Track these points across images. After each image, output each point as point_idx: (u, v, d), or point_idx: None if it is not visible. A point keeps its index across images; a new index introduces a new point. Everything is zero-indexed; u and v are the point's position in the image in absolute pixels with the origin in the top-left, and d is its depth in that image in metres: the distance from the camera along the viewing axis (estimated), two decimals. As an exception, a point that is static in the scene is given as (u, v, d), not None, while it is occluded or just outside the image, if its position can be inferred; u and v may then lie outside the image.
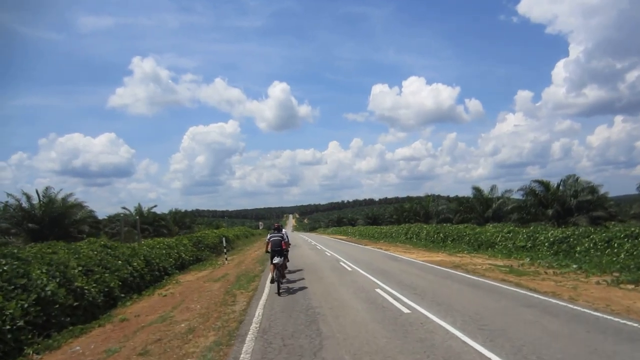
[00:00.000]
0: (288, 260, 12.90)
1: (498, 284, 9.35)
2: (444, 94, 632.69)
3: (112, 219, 37.88)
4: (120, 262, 12.68)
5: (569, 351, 4.68)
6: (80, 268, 10.48)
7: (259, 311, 7.60)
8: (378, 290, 8.97)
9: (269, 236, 10.91)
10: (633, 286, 8.87)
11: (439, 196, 62.25)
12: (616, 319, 6.03)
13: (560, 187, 24.13)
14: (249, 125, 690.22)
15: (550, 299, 7.54)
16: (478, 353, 4.67)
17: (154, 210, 40.33)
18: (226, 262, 19.18)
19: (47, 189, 25.69)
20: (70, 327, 8.22)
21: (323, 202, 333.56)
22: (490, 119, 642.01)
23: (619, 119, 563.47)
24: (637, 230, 13.76)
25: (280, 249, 10.43)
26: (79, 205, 27.57)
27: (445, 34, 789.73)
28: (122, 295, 11.49)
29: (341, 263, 15.42)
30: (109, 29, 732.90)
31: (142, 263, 13.97)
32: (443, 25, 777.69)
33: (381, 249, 23.67)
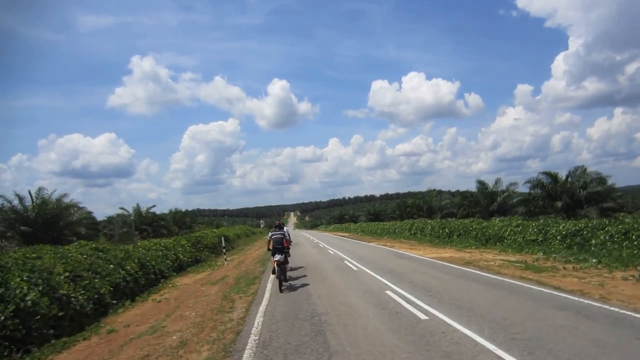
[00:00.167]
0: (290, 256, 12.86)
1: (518, 282, 8.61)
2: (443, 89, 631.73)
3: (111, 220, 37.22)
4: (112, 266, 11.98)
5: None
6: (67, 274, 9.78)
7: (258, 319, 6.87)
8: (388, 292, 8.24)
9: (270, 234, 11.00)
10: (664, 282, 8.15)
11: (440, 191, 61.60)
12: (663, 322, 5.30)
13: (569, 179, 23.43)
14: (249, 124, 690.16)
15: (580, 299, 6.81)
16: (519, 372, 3.95)
17: (153, 210, 39.71)
18: (226, 262, 18.47)
19: (40, 189, 24.93)
20: (53, 341, 7.50)
21: (324, 200, 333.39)
22: (490, 113, 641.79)
23: (618, 111, 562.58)
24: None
25: (281, 246, 10.55)
26: (73, 207, 26.87)
27: (444, 29, 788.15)
28: (114, 301, 10.79)
29: (345, 262, 14.69)
30: (108, 28, 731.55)
31: (137, 266, 13.27)
32: (442, 21, 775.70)
33: (386, 245, 22.95)
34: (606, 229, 14.56)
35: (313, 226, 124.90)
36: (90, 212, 34.59)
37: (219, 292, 10.64)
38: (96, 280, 10.56)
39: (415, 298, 7.40)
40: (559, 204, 22.14)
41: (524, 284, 8.33)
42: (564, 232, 16.00)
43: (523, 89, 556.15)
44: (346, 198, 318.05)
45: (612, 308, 6.14)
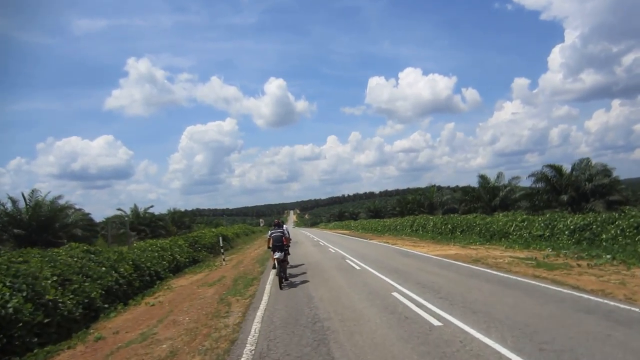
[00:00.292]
0: (289, 254, 12.98)
1: (532, 282, 8.07)
2: (440, 84, 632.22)
3: (110, 221, 36.71)
4: (104, 268, 11.48)
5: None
6: (55, 278, 9.27)
7: (255, 326, 6.33)
8: (395, 294, 7.68)
9: (270, 232, 11.15)
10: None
11: (439, 187, 61.03)
12: None
13: (574, 172, 22.91)
14: (247, 123, 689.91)
15: (605, 300, 6.27)
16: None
17: (151, 210, 39.22)
18: (224, 263, 17.94)
19: (33, 191, 24.40)
20: (36, 350, 6.99)
21: (323, 197, 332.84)
22: (488, 107, 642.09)
23: (616, 102, 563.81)
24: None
25: (281, 244, 10.70)
26: (68, 208, 26.37)
27: (440, 24, 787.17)
28: (106, 305, 10.28)
29: (347, 261, 14.14)
30: (103, 31, 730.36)
31: (131, 268, 12.76)
32: (438, 16, 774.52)
33: (388, 243, 22.42)
34: (617, 223, 14.02)
35: (313, 224, 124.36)
36: (87, 214, 34.09)
37: (215, 295, 10.12)
38: (86, 284, 10.07)
39: (425, 301, 6.85)
40: (565, 197, 21.63)
41: (540, 284, 7.79)
42: (572, 227, 15.48)
43: (520, 83, 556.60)
44: (345, 195, 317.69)
45: (643, 310, 5.61)
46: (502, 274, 9.16)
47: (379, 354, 4.54)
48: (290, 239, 12.97)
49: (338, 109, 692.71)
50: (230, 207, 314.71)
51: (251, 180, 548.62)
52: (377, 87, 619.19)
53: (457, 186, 51.14)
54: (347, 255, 15.95)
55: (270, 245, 10.78)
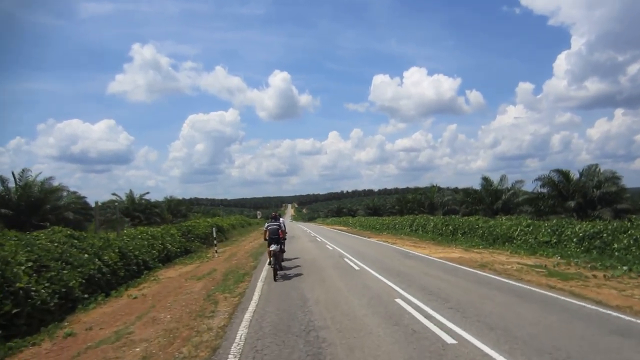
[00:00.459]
0: (285, 249, 13.03)
1: (549, 294, 7.35)
2: (445, 85, 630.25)
3: (105, 206, 35.98)
4: (86, 255, 10.76)
5: None
6: (30, 264, 8.57)
7: (242, 331, 5.61)
8: (399, 301, 6.94)
9: (266, 225, 11.37)
10: None
11: (439, 187, 60.28)
12: None
13: (582, 178, 22.20)
14: (249, 114, 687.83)
15: (638, 320, 5.55)
16: None
17: (148, 197, 38.49)
18: (216, 255, 17.24)
19: (24, 171, 23.61)
20: (-1, 345, 6.28)
21: (322, 192, 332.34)
22: (491, 110, 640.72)
23: (619, 112, 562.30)
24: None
25: (277, 237, 10.86)
26: (60, 190, 25.54)
27: (447, 25, 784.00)
28: (85, 296, 9.57)
29: (345, 259, 13.42)
30: (109, 15, 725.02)
31: (116, 256, 12.05)
32: (445, 16, 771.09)
33: (387, 242, 21.71)
34: (629, 232, 13.34)
35: (310, 219, 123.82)
36: (82, 197, 33.39)
37: (203, 290, 9.42)
38: (65, 271, 9.36)
39: (433, 311, 6.11)
40: (572, 203, 20.91)
41: (558, 296, 7.06)
42: (580, 234, 14.78)
43: (524, 87, 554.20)
44: (344, 192, 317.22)
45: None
46: (513, 283, 8.43)
47: (384, 378, 3.81)
48: (287, 233, 12.96)
49: (341, 104, 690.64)
50: (229, 197, 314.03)
51: (251, 172, 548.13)
52: (382, 84, 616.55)
53: (456, 187, 50.29)
54: (345, 254, 15.24)
55: (267, 238, 10.97)
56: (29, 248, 9.19)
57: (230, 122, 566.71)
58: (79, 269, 9.88)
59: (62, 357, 5.59)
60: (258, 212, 77.78)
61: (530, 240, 16.94)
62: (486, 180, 31.75)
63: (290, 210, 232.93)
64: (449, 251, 15.63)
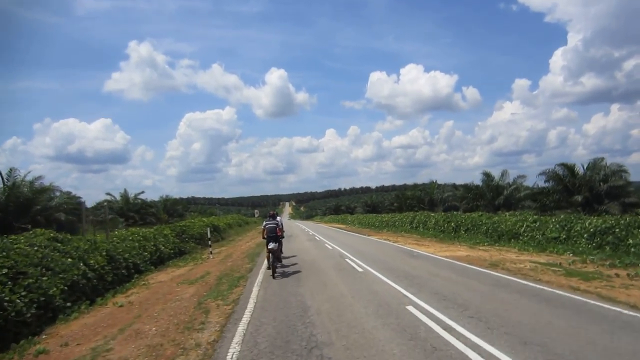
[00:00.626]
0: (282, 251, 13.04)
1: (575, 296, 6.64)
2: (441, 82, 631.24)
3: (99, 206, 35.15)
4: (70, 260, 10.01)
5: None
6: (5, 271, 7.86)
7: (233, 349, 4.88)
8: (411, 308, 6.18)
9: (264, 223, 11.50)
10: None
11: (438, 184, 59.54)
12: None
13: (588, 171, 21.57)
14: (246, 112, 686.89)
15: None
16: None
17: (144, 197, 37.71)
18: (211, 256, 16.49)
19: (11, 170, 22.74)
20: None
21: (320, 190, 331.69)
22: (488, 107, 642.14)
23: (615, 107, 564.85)
24: None
25: (275, 235, 10.98)
26: (50, 190, 24.65)
27: (444, 22, 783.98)
28: (68, 304, 8.83)
29: (347, 260, 12.67)
30: (107, 12, 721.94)
31: (104, 260, 11.31)
32: (442, 13, 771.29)
33: (388, 240, 20.99)
34: (644, 227, 12.71)
35: (308, 217, 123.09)
36: (77, 197, 32.47)
37: (194, 297, 8.68)
38: (45, 278, 8.64)
39: (452, 321, 5.37)
40: (579, 198, 20.27)
41: (587, 300, 6.35)
42: (591, 230, 14.13)
43: (521, 84, 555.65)
44: (342, 189, 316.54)
45: None
46: (532, 285, 7.72)
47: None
48: (284, 231, 12.89)
49: (338, 102, 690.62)
50: (226, 196, 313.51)
51: (248, 170, 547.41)
52: (378, 82, 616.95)
53: (453, 184, 49.59)
54: (346, 253, 14.50)
55: (265, 236, 11.13)
56: (4, 253, 8.46)
57: (227, 120, 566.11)
58: (60, 275, 9.16)
59: (27, 381, 4.85)
60: (255, 210, 77.17)
61: (537, 236, 16.29)
62: (487, 176, 31.17)
63: (287, 209, 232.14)
64: (454, 249, 14.94)
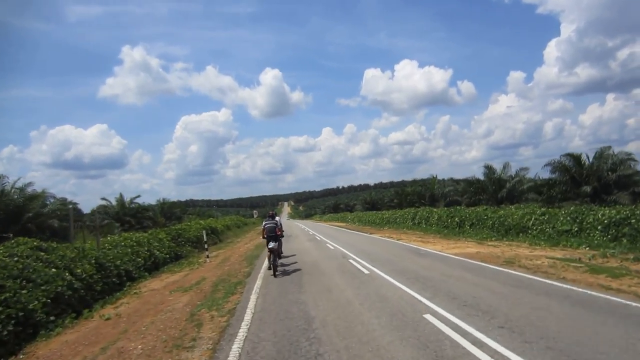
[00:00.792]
0: (282, 251, 13.21)
1: (610, 297, 5.92)
2: (436, 77, 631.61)
3: (94, 212, 34.34)
4: (54, 270, 9.28)
5: None
6: (-23, 286, 7.14)
7: (227, 373, 4.17)
8: (430, 317, 5.42)
9: (264, 223, 11.74)
10: None
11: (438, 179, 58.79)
12: None
13: (595, 161, 20.89)
14: (242, 113, 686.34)
15: None
16: None
17: (142, 200, 36.84)
18: (207, 260, 15.76)
19: (0, 177, 22.04)
20: None
21: (318, 189, 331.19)
22: (483, 100, 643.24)
23: (610, 97, 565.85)
24: None
25: (275, 234, 11.19)
26: (41, 196, 23.88)
27: (437, 16, 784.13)
28: (52, 318, 8.13)
29: (351, 261, 11.94)
30: (98, 18, 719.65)
31: (92, 268, 10.59)
32: (435, 7, 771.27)
33: (391, 237, 20.28)
34: (661, 217, 12.08)
35: (307, 216, 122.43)
36: (74, 204, 31.74)
37: (187, 307, 7.97)
38: (24, 291, 7.94)
39: (480, 333, 4.60)
40: (588, 188, 19.58)
41: (628, 302, 5.59)
42: (605, 221, 13.49)
43: (515, 76, 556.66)
44: (340, 187, 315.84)
45: None
46: (558, 284, 7.00)
47: None
48: (283, 231, 12.92)
49: (333, 100, 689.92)
50: (225, 198, 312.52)
51: (245, 171, 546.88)
52: (373, 79, 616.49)
53: (451, 178, 48.95)
54: (349, 254, 13.77)
55: (265, 236, 11.32)
56: (-21, 265, 7.76)
57: (222, 122, 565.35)
58: (43, 287, 8.45)
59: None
60: (254, 211, 76.42)
61: (547, 229, 15.67)
62: (489, 169, 30.51)
63: (286, 208, 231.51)
64: (462, 246, 14.25)
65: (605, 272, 7.90)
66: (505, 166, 30.12)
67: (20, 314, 7.35)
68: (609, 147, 21.31)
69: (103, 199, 35.53)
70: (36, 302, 7.87)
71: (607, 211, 14.05)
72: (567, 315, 5.18)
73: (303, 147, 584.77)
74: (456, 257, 11.26)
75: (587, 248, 11.99)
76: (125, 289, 11.42)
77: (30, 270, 8.75)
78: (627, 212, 13.30)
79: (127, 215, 33.68)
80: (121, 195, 36.02)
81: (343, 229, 34.53)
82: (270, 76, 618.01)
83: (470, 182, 33.16)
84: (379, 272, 9.53)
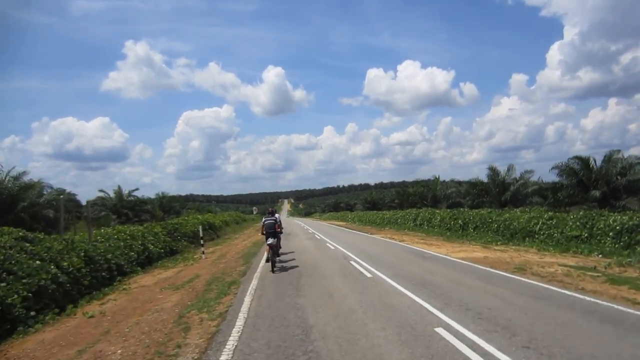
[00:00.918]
0: (281, 245, 13.49)
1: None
2: (439, 78, 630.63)
3: (94, 203, 33.86)
4: (38, 262, 8.74)
5: None
6: (-49, 278, 6.62)
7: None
8: (442, 332, 4.84)
9: (263, 220, 11.83)
10: None
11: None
12: None
13: (604, 165, 20.29)
14: (244, 110, 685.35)
15: None
16: None
17: (141, 194, 36.49)
18: (203, 256, 15.21)
19: (-7, 166, 21.49)
20: None
21: (318, 187, 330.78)
22: (485, 102, 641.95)
23: (613, 101, 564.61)
24: None
25: (273, 230, 11.35)
26: (35, 186, 23.34)
27: (440, 17, 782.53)
28: (32, 313, 7.60)
29: (352, 262, 11.36)
30: (102, 12, 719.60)
31: (80, 261, 10.04)
32: (438, 8, 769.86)
33: (393, 239, 19.71)
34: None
35: (307, 214, 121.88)
36: (71, 194, 31.26)
37: (177, 307, 7.44)
38: (3, 284, 7.43)
39: (503, 354, 4.07)
40: (597, 193, 19.00)
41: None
42: (617, 228, 12.93)
43: (518, 79, 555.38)
44: (340, 186, 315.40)
45: None
46: (579, 296, 6.41)
47: None
48: (282, 228, 13.07)
49: (336, 99, 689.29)
50: (225, 193, 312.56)
51: (246, 168, 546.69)
52: (376, 78, 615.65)
53: (453, 180, 48.35)
54: (350, 254, 13.20)
55: (264, 232, 11.46)
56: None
57: (224, 118, 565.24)
58: (24, 280, 7.92)
59: None
60: (254, 208, 75.99)
61: (555, 234, 15.10)
62: (493, 171, 29.94)
63: (286, 206, 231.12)
64: (467, 249, 13.67)
65: (626, 283, 7.34)
66: (510, 168, 29.55)
67: (-2, 309, 6.84)
68: (618, 151, 20.73)
69: (101, 190, 35.05)
70: (15, 296, 7.35)
71: (619, 217, 13.50)
72: (598, 334, 4.60)
73: (304, 145, 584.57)
74: (463, 262, 10.69)
75: (600, 255, 11.44)
76: (115, 284, 10.89)
77: (12, 262, 8.24)
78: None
79: (124, 208, 33.21)
80: (119, 187, 35.53)
81: (343, 228, 33.98)
82: (272, 74, 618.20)
83: (473, 184, 32.62)
84: (382, 276, 8.93)
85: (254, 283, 8.89)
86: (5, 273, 7.82)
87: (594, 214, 14.80)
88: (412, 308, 6.03)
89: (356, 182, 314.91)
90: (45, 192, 24.27)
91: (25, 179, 22.26)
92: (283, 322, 5.65)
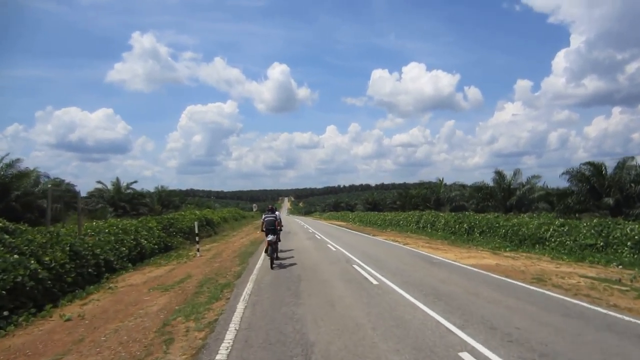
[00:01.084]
0: (280, 239, 13.34)
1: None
2: (443, 81, 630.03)
3: (91, 195, 33.20)
4: (16, 256, 8.05)
5: None
6: None
7: None
8: (468, 357, 4.09)
9: (263, 216, 11.94)
10: None
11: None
12: None
13: (618, 171, 19.54)
14: (247, 106, 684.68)
15: None
16: None
17: (139, 187, 35.91)
18: (198, 254, 14.50)
19: (-15, 152, 20.86)
20: None
21: (319, 186, 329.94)
22: (489, 107, 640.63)
23: (617, 110, 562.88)
24: None
25: (273, 227, 11.49)
26: (29, 175, 22.64)
27: (447, 20, 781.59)
28: (5, 313, 6.94)
29: (355, 266, 10.59)
30: (110, 3, 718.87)
31: (64, 256, 9.36)
32: (445, 11, 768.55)
33: (397, 241, 18.97)
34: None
35: (307, 213, 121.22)
36: (69, 184, 30.59)
37: (162, 311, 6.73)
38: (-27, 281, 6.73)
39: None
40: (610, 200, 18.28)
41: None
42: (636, 237, 12.21)
43: (523, 85, 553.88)
44: (341, 186, 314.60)
45: None
46: (617, 315, 5.57)
47: None
48: (282, 225, 13.16)
49: (339, 98, 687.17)
50: (225, 189, 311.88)
51: (248, 164, 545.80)
52: (380, 79, 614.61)
53: (455, 183, 47.73)
54: (352, 257, 12.45)
55: (264, 229, 11.57)
56: None
57: (228, 113, 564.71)
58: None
59: None
60: (254, 205, 75.28)
61: (568, 242, 14.35)
62: (499, 175, 29.30)
63: (286, 204, 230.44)
64: (477, 255, 12.93)
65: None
66: (516, 173, 28.92)
67: (-36, 308, 6.16)
68: (632, 158, 20.09)
69: (99, 182, 34.38)
70: (-16, 295, 6.67)
71: (637, 226, 12.78)
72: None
73: (307, 143, 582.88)
74: (475, 269, 9.92)
75: (620, 267, 10.71)
76: (102, 281, 10.21)
77: (-13, 257, 7.55)
78: (661, 227, 12.06)
79: (122, 201, 32.61)
80: (117, 179, 34.95)
81: (344, 228, 33.26)
82: (277, 71, 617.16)
83: (478, 188, 31.91)
84: (390, 283, 8.14)
85: (249, 287, 8.15)
86: (-23, 268, 7.16)
87: (609, 222, 14.08)
88: (427, 325, 5.24)
89: (357, 183, 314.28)
90: (42, 182, 23.67)
91: (22, 167, 21.68)
92: (279, 337, 4.89)
